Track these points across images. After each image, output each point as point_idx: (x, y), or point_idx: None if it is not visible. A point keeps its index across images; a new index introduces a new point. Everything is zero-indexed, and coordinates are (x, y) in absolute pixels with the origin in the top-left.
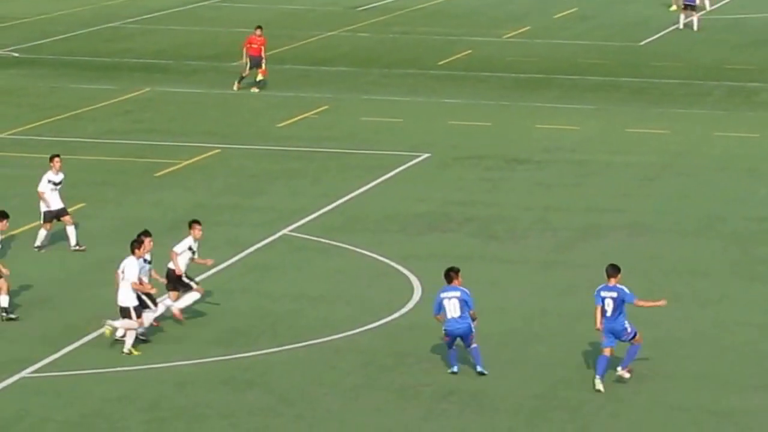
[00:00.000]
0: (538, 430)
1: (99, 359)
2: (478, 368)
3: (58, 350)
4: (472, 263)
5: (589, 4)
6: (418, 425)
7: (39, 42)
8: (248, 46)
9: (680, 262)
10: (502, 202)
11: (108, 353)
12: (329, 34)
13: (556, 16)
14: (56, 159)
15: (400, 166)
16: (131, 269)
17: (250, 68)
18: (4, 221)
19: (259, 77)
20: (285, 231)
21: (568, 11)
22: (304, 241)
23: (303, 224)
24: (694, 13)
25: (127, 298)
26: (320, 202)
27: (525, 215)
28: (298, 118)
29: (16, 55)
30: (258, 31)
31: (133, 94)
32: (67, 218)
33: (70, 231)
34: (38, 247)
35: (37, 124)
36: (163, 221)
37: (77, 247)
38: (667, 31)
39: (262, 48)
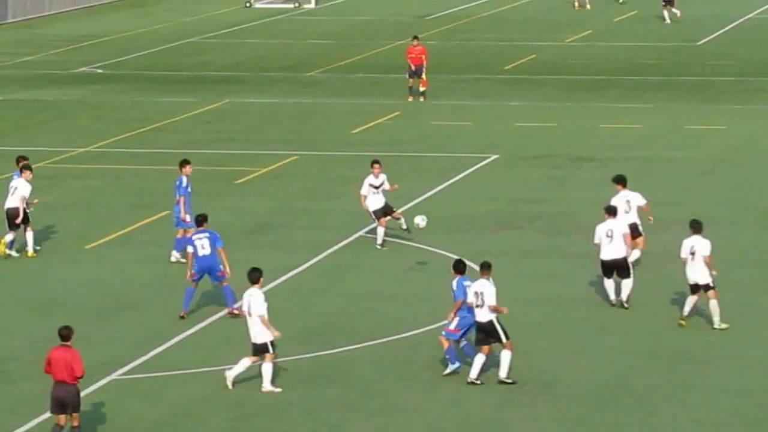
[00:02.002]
0: (608, 417)
1: (186, 360)
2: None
3: (147, 352)
4: (540, 258)
5: (648, 7)
6: (493, 414)
7: (122, 58)
8: (409, 56)
9: (740, 252)
10: (568, 198)
11: (194, 355)
12: (399, 42)
13: (616, 20)
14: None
15: (470, 167)
16: (257, 303)
17: (410, 77)
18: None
19: (421, 88)
20: (361, 233)
21: (628, 14)
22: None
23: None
24: (672, 7)
25: (260, 334)
26: (394, 204)
27: (590, 211)
28: (372, 124)
29: (100, 71)
30: (415, 41)
31: (212, 106)
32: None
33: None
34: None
35: (121, 137)
36: (244, 226)
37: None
38: (723, 31)
39: (422, 57)
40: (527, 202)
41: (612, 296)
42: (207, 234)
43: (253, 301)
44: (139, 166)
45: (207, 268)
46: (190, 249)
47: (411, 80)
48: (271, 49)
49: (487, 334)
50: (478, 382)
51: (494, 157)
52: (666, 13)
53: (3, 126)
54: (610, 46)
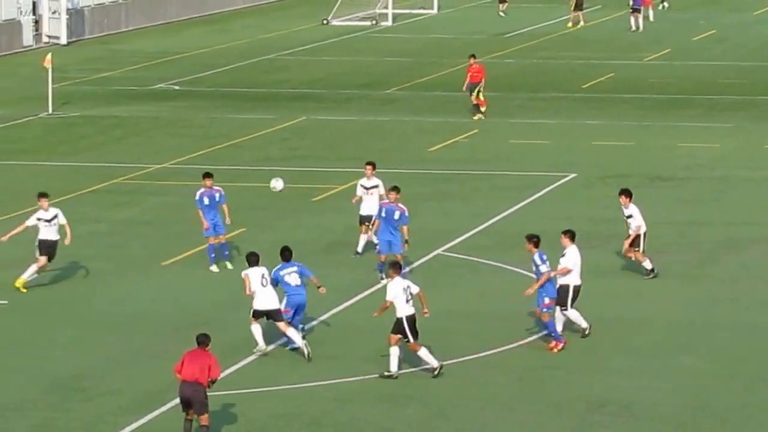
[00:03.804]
0: None
1: (263, 378)
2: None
3: (225, 369)
4: (618, 278)
5: (727, 26)
6: None
7: (198, 75)
8: (470, 74)
9: None
10: (646, 218)
11: (270, 372)
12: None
13: (694, 39)
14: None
15: (547, 186)
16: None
17: (470, 94)
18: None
19: (481, 108)
20: (438, 251)
21: (706, 33)
22: (456, 260)
23: (455, 244)
24: (639, 15)
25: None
26: (472, 222)
27: (668, 230)
28: (449, 141)
29: (177, 87)
30: (472, 60)
31: (289, 123)
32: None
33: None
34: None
35: (198, 153)
36: (320, 243)
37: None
38: None
39: (480, 75)
40: (605, 221)
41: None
42: (295, 268)
43: (267, 273)
44: (217, 183)
45: (299, 303)
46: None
47: (474, 98)
48: (348, 66)
49: (413, 327)
50: (395, 376)
51: (572, 175)
52: (636, 20)
53: (80, 142)
54: (688, 65)
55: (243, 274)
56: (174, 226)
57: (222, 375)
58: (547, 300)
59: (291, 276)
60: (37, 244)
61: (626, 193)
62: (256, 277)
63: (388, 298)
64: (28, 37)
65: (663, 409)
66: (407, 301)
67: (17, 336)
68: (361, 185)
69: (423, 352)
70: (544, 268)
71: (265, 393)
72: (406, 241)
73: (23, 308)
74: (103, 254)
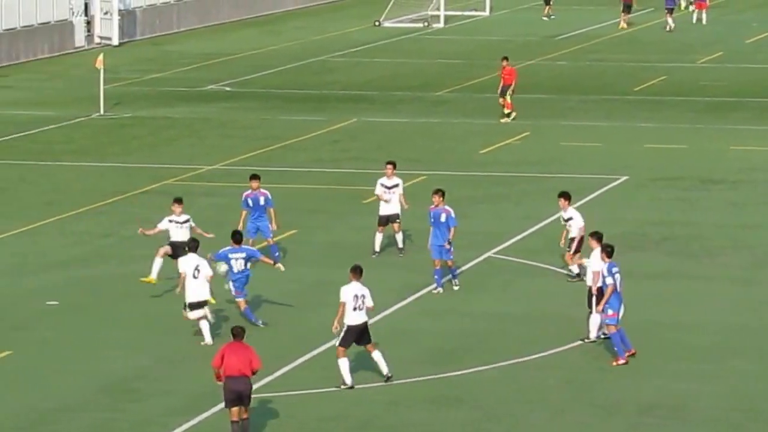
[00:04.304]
0: None
1: (312, 380)
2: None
3: (273, 372)
4: (669, 281)
5: None
6: None
7: (250, 76)
8: (502, 76)
9: None
10: (698, 221)
11: (320, 374)
12: (528, 63)
13: (747, 41)
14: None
15: (599, 188)
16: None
17: (501, 96)
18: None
19: (505, 110)
20: (489, 253)
21: (759, 36)
22: (507, 262)
23: (506, 246)
24: (671, 15)
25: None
26: (523, 225)
27: (721, 234)
28: (500, 144)
29: (228, 89)
30: (505, 62)
31: (340, 125)
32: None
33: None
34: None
35: (249, 155)
36: (370, 244)
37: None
38: None
39: (511, 78)
40: (656, 224)
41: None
42: (244, 254)
43: (204, 265)
44: (267, 185)
45: (245, 283)
46: (223, 267)
47: (502, 100)
48: (400, 68)
49: (360, 336)
50: (352, 386)
51: (624, 178)
52: (671, 20)
53: (131, 143)
54: (741, 67)
55: (179, 260)
56: (225, 228)
57: (272, 377)
58: (610, 312)
59: (237, 261)
60: (169, 245)
61: (565, 195)
62: (190, 266)
63: (341, 299)
64: (80, 38)
65: (713, 413)
66: (354, 308)
67: (69, 337)
68: (381, 184)
69: (342, 363)
70: (609, 281)
71: (315, 395)
72: (449, 242)
73: (74, 309)
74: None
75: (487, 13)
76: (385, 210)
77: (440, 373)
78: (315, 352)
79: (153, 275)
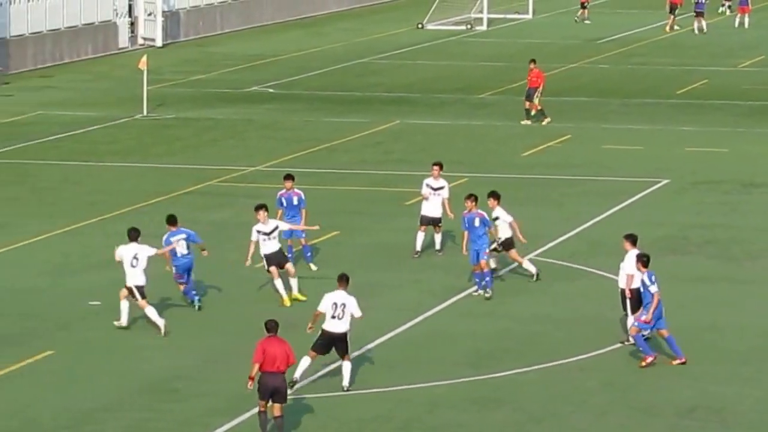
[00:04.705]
0: None
1: (355, 381)
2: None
3: (316, 372)
4: (711, 284)
5: None
6: None
7: (293, 78)
8: (530, 79)
9: None
10: (740, 224)
11: (362, 375)
12: (570, 66)
13: None
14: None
15: (640, 192)
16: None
17: (526, 98)
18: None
19: (532, 111)
20: (530, 255)
21: None
22: (548, 264)
23: (547, 249)
24: (702, 18)
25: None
26: (563, 228)
27: (762, 237)
28: (542, 147)
29: (272, 90)
30: (532, 65)
31: (383, 127)
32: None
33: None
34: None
35: (292, 156)
36: (412, 246)
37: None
38: None
39: (538, 80)
40: (697, 227)
41: None
42: (184, 235)
43: (143, 250)
44: (310, 186)
45: (189, 267)
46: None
47: (528, 103)
48: (443, 70)
49: (332, 344)
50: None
51: (665, 181)
52: (696, 25)
53: (175, 144)
54: None
55: (117, 249)
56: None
57: (314, 378)
58: (644, 317)
59: (179, 243)
60: (263, 258)
61: (494, 195)
62: (128, 255)
63: (318, 308)
64: (123, 39)
65: (753, 416)
66: (333, 317)
67: (110, 337)
68: (428, 185)
69: (304, 361)
70: (653, 289)
71: (357, 396)
72: (495, 247)
73: (116, 309)
74: (196, 256)
75: (529, 16)
76: (427, 211)
77: (481, 374)
78: (357, 353)
79: (284, 294)
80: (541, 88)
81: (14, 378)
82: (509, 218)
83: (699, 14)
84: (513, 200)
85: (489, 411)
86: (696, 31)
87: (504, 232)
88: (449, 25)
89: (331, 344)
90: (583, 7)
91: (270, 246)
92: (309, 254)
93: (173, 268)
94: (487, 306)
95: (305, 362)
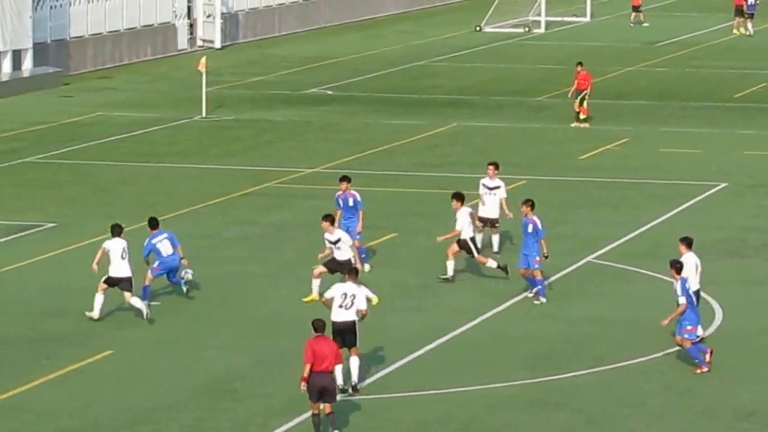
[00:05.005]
0: None
1: (413, 382)
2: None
3: (374, 374)
4: None
5: None
6: None
7: (351, 80)
8: (577, 81)
9: None
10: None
11: (421, 377)
12: (628, 69)
13: None
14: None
15: (698, 195)
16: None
17: (575, 101)
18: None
19: (581, 115)
20: (589, 258)
21: None
22: (606, 267)
23: (605, 252)
24: (751, 20)
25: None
26: (622, 231)
27: None
28: (600, 150)
29: (330, 92)
30: (579, 67)
31: (441, 129)
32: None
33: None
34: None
35: (350, 158)
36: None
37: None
38: None
39: (585, 83)
40: (756, 230)
41: None
42: (166, 235)
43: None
44: (368, 188)
45: (174, 267)
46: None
47: (577, 105)
48: (500, 73)
49: (342, 335)
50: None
51: (723, 185)
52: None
53: (233, 145)
54: None
55: (103, 245)
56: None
57: (373, 379)
58: (689, 327)
59: (163, 243)
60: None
61: (457, 197)
62: (117, 248)
63: (326, 294)
64: (182, 41)
65: None
66: (340, 306)
67: (169, 337)
68: (483, 185)
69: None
70: (681, 300)
71: (415, 398)
72: (545, 256)
73: (175, 309)
74: (256, 257)
75: (587, 18)
76: (483, 211)
77: (539, 377)
78: (415, 355)
79: (314, 293)
80: (588, 90)
81: (74, 377)
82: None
83: (750, 16)
84: (570, 203)
85: (547, 413)
86: (747, 33)
87: (465, 233)
88: (507, 27)
89: (341, 335)
90: (636, 10)
91: (339, 255)
92: (364, 255)
93: (156, 265)
94: (544, 308)
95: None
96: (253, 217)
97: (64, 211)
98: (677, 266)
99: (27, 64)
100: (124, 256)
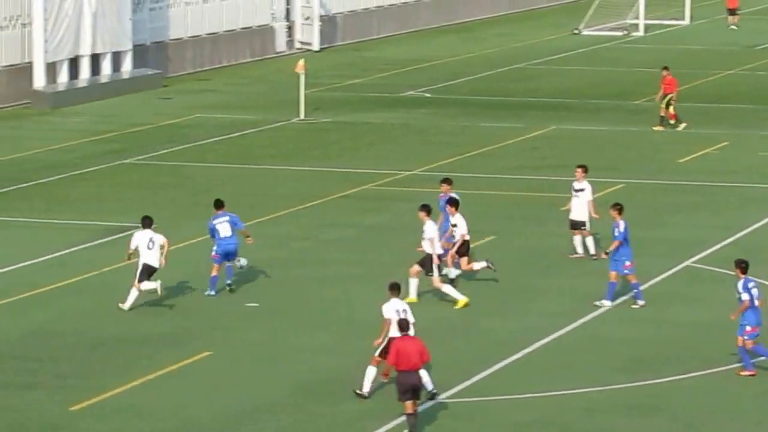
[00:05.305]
0: None
1: (511, 385)
2: None
3: (472, 376)
4: None
5: None
6: None
7: (449, 83)
8: (663, 85)
9: None
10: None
11: (519, 380)
12: (728, 72)
13: None
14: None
15: None
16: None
17: (662, 105)
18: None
19: (662, 114)
20: (688, 262)
21: None
22: (705, 272)
23: (705, 256)
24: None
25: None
26: (720, 234)
27: None
28: (699, 153)
29: (428, 95)
30: (665, 72)
31: (539, 132)
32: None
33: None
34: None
35: (448, 161)
36: (566, 251)
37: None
38: None
39: (672, 87)
40: None
41: None
42: (227, 217)
43: (157, 237)
44: (466, 191)
45: (231, 251)
46: (243, 261)
47: (663, 109)
48: (599, 76)
49: None
50: (366, 396)
51: None
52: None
53: (331, 148)
54: None
55: (133, 236)
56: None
57: (471, 381)
58: (748, 328)
59: (222, 225)
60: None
61: (451, 202)
62: (144, 240)
63: (385, 316)
64: (281, 43)
65: None
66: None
67: (267, 338)
68: (572, 187)
69: (370, 371)
70: (744, 297)
71: (513, 400)
72: (606, 253)
73: (273, 311)
74: (353, 259)
75: (686, 22)
76: (571, 214)
77: (637, 381)
78: (513, 358)
79: (412, 295)
80: (674, 94)
81: (173, 378)
82: (463, 230)
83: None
84: (669, 207)
85: (645, 417)
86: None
87: (456, 238)
88: (605, 30)
89: None
90: (732, 13)
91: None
92: (458, 260)
93: (214, 251)
94: (642, 312)
95: (372, 372)
96: (350, 220)
97: (163, 212)
98: (742, 266)
99: (126, 66)
100: (150, 246)
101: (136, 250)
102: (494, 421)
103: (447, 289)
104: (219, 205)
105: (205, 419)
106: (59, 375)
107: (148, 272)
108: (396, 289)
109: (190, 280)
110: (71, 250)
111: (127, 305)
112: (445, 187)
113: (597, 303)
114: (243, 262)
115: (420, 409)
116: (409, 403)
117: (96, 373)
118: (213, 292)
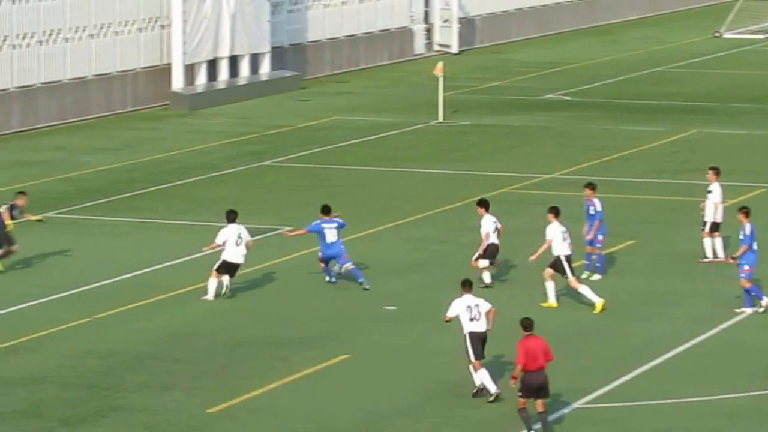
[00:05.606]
0: None
1: (651, 391)
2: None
3: (611, 382)
4: None
5: None
6: None
7: (588, 86)
8: None
9: None
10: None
11: (659, 386)
12: None
13: None
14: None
15: None
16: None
17: None
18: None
19: None
20: None
21: None
22: None
23: None
24: None
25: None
26: None
27: None
28: None
29: (567, 98)
30: None
31: (680, 136)
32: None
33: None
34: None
35: (587, 164)
36: (699, 255)
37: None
38: None
39: None
40: None
41: None
42: (336, 224)
43: (244, 232)
44: (606, 195)
45: (333, 256)
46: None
47: None
48: (741, 79)
49: (483, 344)
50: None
51: None
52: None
53: (470, 150)
54: None
55: (220, 231)
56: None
57: (610, 387)
58: (746, 267)
59: (330, 231)
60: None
61: (481, 203)
62: (232, 234)
63: (448, 314)
64: (419, 45)
65: None
66: (471, 319)
67: (407, 341)
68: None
69: (482, 374)
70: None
71: (655, 406)
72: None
73: (411, 314)
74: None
75: None
76: (704, 216)
77: None
78: (653, 363)
79: (552, 300)
80: None
81: (311, 381)
82: (487, 230)
83: None
84: None
85: None
86: None
87: (491, 239)
88: (747, 33)
89: (482, 344)
90: None
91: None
92: (599, 264)
93: (319, 253)
94: None
95: (485, 373)
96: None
97: (300, 214)
98: (744, 210)
99: (265, 67)
100: (238, 242)
101: (224, 244)
102: (634, 427)
103: (583, 289)
104: (327, 211)
105: (342, 422)
106: (196, 376)
107: (229, 268)
108: (468, 286)
109: (327, 285)
110: (208, 251)
111: (210, 296)
112: (588, 191)
113: (737, 310)
114: (347, 265)
115: (558, 414)
116: (524, 400)
117: (233, 375)
118: (333, 279)
